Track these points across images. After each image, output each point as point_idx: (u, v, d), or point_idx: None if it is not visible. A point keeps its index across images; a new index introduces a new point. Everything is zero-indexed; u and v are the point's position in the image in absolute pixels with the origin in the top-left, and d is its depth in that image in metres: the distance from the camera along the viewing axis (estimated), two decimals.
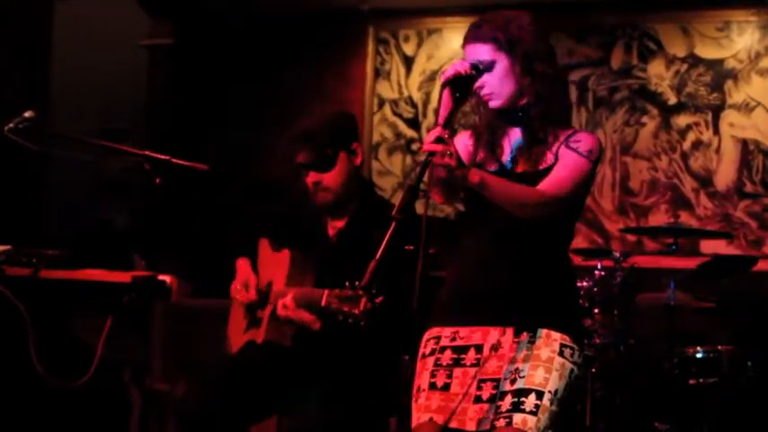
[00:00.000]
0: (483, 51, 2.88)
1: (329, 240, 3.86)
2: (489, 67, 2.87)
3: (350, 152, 3.80)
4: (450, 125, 2.75)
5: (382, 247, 2.61)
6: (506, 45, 2.88)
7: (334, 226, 3.86)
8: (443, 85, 2.81)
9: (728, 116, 6.60)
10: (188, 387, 3.76)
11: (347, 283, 3.34)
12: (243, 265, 3.95)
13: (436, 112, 2.82)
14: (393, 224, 2.60)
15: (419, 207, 2.80)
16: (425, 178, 2.74)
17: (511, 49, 2.88)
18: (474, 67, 2.83)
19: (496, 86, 2.89)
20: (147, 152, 3.56)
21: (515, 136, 2.97)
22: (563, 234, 2.98)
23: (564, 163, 2.87)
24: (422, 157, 2.70)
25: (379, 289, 3.15)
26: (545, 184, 2.83)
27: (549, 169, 2.87)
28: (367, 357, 3.65)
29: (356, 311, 3.25)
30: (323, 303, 3.41)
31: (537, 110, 2.90)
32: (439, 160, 2.65)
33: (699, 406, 4.98)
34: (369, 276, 2.75)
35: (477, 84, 2.88)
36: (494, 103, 2.92)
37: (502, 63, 2.88)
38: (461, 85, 2.81)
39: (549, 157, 2.89)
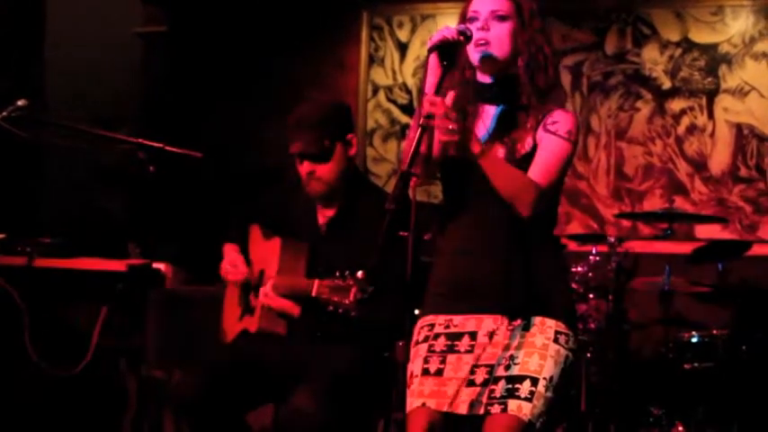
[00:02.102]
0: (502, 3, 2.85)
1: (319, 228, 3.85)
2: (503, 18, 2.84)
3: (345, 143, 3.79)
4: (440, 94, 2.71)
5: (380, 241, 2.58)
6: (524, 10, 2.86)
7: (325, 214, 3.86)
8: (430, 51, 2.75)
9: (723, 101, 6.59)
10: (184, 374, 3.77)
11: (337, 273, 3.34)
12: (229, 249, 3.95)
13: (422, 81, 2.77)
14: (388, 215, 2.57)
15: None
16: (423, 149, 2.69)
17: (527, 16, 2.86)
18: (462, 33, 2.77)
19: (497, 38, 2.83)
20: (140, 140, 3.55)
21: (490, 117, 2.91)
22: (548, 217, 2.94)
23: (548, 149, 2.81)
24: (412, 139, 2.64)
25: (372, 278, 3.16)
26: (534, 175, 2.78)
27: (528, 155, 2.82)
28: (362, 344, 3.66)
29: (346, 302, 3.26)
30: (313, 294, 3.42)
31: (527, 80, 2.85)
32: (441, 122, 2.61)
33: (694, 390, 5.00)
34: (370, 274, 2.74)
35: (481, 25, 2.82)
36: (484, 48, 2.83)
37: (511, 22, 2.85)
38: (448, 53, 2.74)
39: (529, 142, 2.84)
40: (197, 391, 3.62)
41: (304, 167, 3.77)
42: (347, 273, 3.33)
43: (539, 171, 2.80)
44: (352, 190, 3.82)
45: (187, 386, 3.68)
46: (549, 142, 2.82)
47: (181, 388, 3.71)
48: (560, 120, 2.85)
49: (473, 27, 2.84)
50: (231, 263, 3.88)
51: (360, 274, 3.27)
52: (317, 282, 3.41)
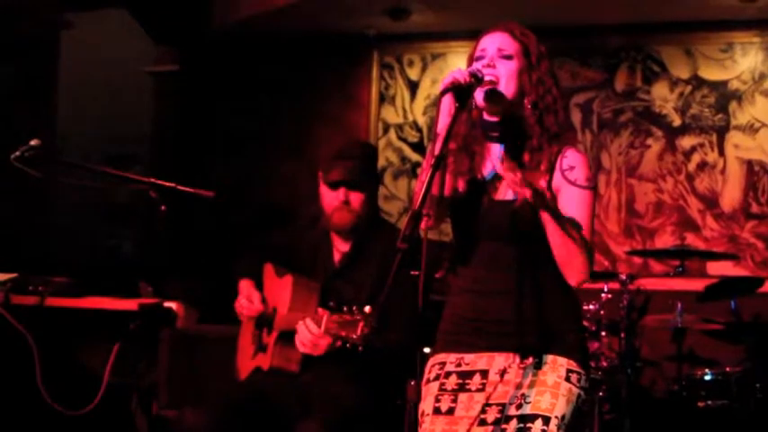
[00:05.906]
0: (509, 44, 2.86)
1: (334, 263, 3.88)
2: (509, 57, 2.85)
3: (377, 180, 3.97)
4: (450, 137, 2.70)
5: (390, 279, 2.56)
6: (531, 52, 2.86)
7: (341, 250, 3.89)
8: (442, 94, 2.74)
9: (733, 137, 6.60)
10: (195, 413, 3.76)
11: (345, 308, 3.34)
12: (245, 284, 3.96)
13: (434, 122, 2.76)
14: (399, 254, 2.56)
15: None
16: (434, 189, 2.68)
17: (534, 57, 2.86)
18: (473, 75, 2.77)
19: (503, 77, 2.82)
20: (152, 179, 3.57)
21: (497, 156, 2.88)
22: None
23: (575, 204, 2.80)
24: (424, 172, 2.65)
25: (380, 314, 3.16)
26: None
27: None
28: (372, 383, 3.65)
29: (354, 336, 3.26)
30: (322, 328, 3.42)
31: (534, 122, 2.84)
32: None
33: (708, 428, 4.97)
34: (377, 310, 2.74)
35: (487, 62, 2.82)
36: (491, 86, 2.82)
37: (517, 62, 2.85)
38: (460, 95, 2.74)
39: (542, 185, 2.78)
40: (205, 427, 3.62)
41: (338, 195, 3.80)
42: (354, 308, 3.34)
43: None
44: (369, 227, 3.86)
45: (199, 425, 3.67)
46: (573, 195, 2.81)
47: (192, 427, 3.70)
48: (576, 164, 2.83)
49: (480, 65, 2.84)
50: (247, 297, 3.90)
51: (367, 309, 3.27)
52: (325, 316, 3.42)
